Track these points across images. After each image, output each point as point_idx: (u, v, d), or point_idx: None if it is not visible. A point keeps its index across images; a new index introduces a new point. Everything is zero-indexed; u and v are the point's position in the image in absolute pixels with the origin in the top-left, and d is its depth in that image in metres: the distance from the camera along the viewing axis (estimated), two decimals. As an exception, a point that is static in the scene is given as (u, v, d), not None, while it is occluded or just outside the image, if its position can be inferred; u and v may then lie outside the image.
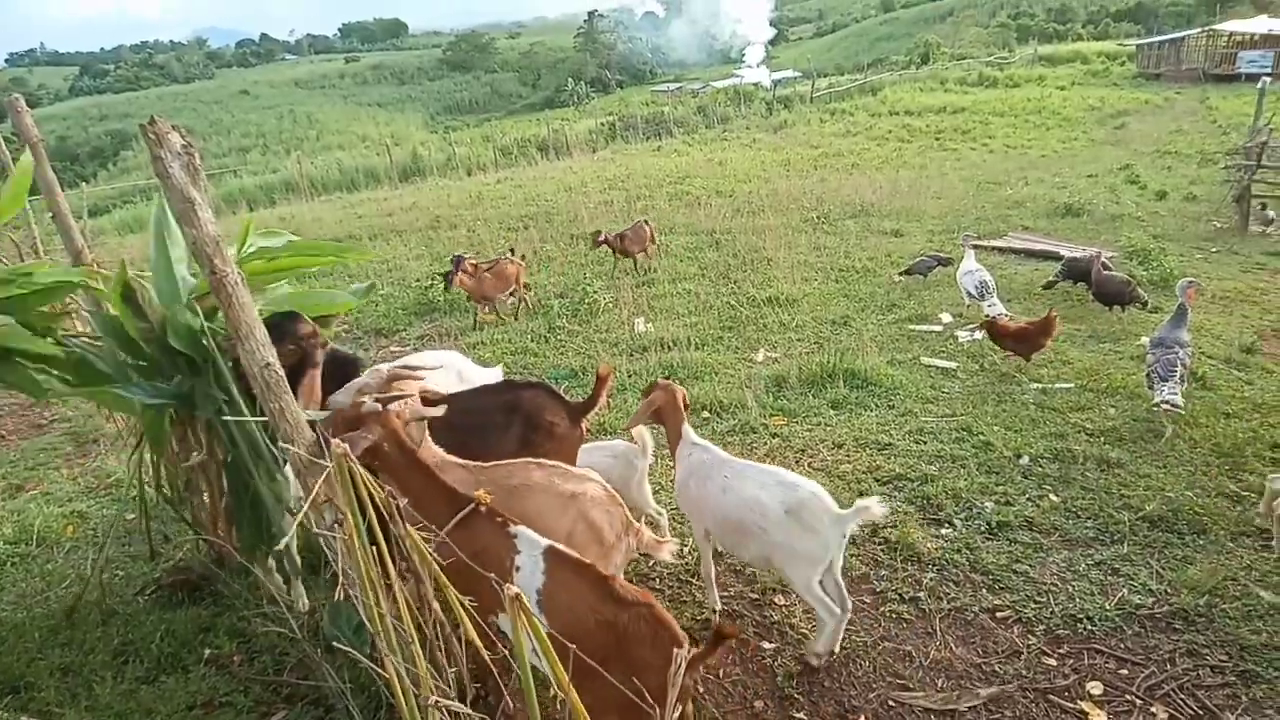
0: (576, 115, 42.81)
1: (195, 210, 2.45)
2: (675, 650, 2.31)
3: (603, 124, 29.27)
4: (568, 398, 3.84)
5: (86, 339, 3.58)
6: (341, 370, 3.51)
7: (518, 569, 2.60)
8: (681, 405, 3.65)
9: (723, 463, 3.45)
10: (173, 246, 3.24)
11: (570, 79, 70.25)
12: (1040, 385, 5.94)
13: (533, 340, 7.70)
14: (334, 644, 3.24)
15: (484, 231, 12.91)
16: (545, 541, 2.65)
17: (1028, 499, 4.44)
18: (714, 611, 3.65)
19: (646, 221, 10.26)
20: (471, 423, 3.58)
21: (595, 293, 8.63)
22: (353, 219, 15.67)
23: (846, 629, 3.44)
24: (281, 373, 2.58)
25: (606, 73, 77.98)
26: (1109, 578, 3.82)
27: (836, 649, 3.39)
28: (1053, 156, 18.01)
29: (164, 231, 3.25)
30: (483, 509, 2.71)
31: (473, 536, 2.65)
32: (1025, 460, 4.83)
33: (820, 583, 3.23)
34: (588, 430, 3.94)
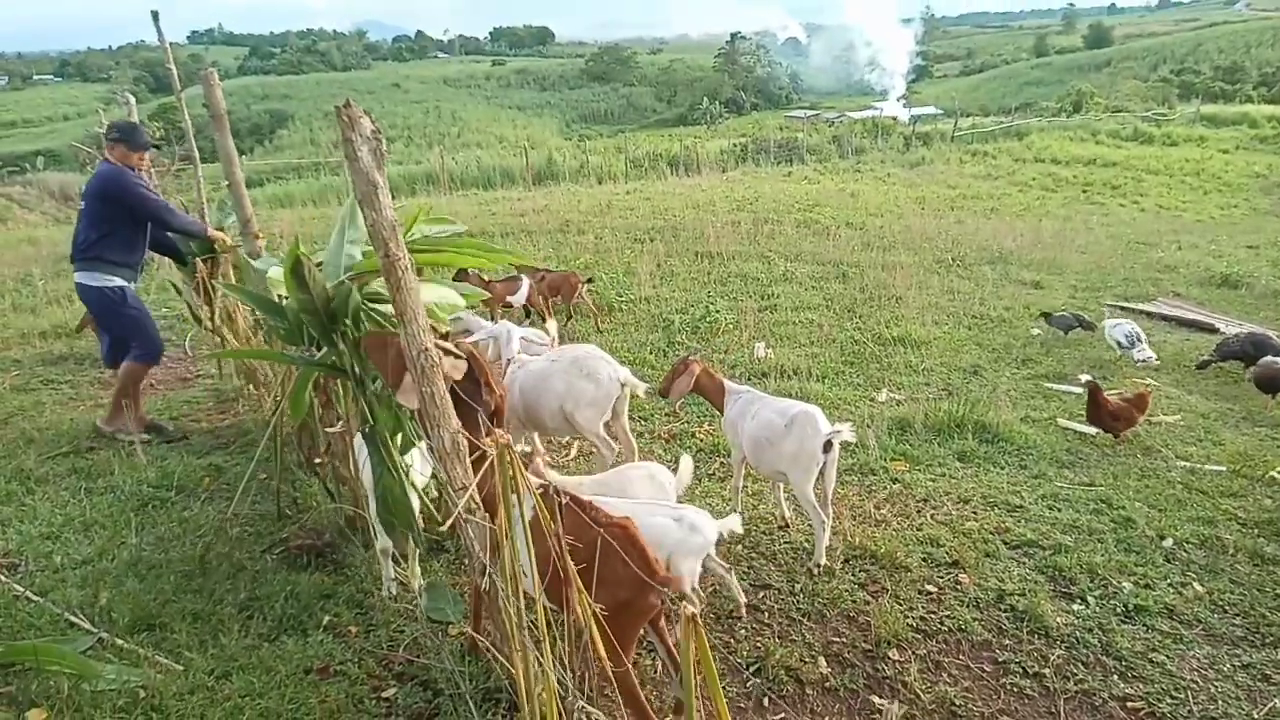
0: (709, 134, 43.02)
1: (377, 194, 2.52)
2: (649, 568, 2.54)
3: (734, 145, 29.23)
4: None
5: None
6: None
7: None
8: (710, 374, 4.42)
9: (754, 399, 4.33)
10: (350, 229, 3.34)
11: (706, 98, 70.60)
12: (1188, 464, 5.54)
13: (651, 353, 7.70)
14: (434, 619, 3.32)
15: (610, 240, 13.04)
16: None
17: (1169, 585, 4.12)
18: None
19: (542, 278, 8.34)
20: None
21: (717, 312, 8.59)
22: (487, 216, 16.13)
23: (964, 697, 3.30)
24: (437, 359, 2.63)
25: (742, 94, 77.82)
26: (1258, 684, 3.49)
27: (824, 561, 4.11)
28: (1209, 222, 16.96)
29: (351, 212, 3.35)
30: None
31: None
32: (1169, 543, 4.49)
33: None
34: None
